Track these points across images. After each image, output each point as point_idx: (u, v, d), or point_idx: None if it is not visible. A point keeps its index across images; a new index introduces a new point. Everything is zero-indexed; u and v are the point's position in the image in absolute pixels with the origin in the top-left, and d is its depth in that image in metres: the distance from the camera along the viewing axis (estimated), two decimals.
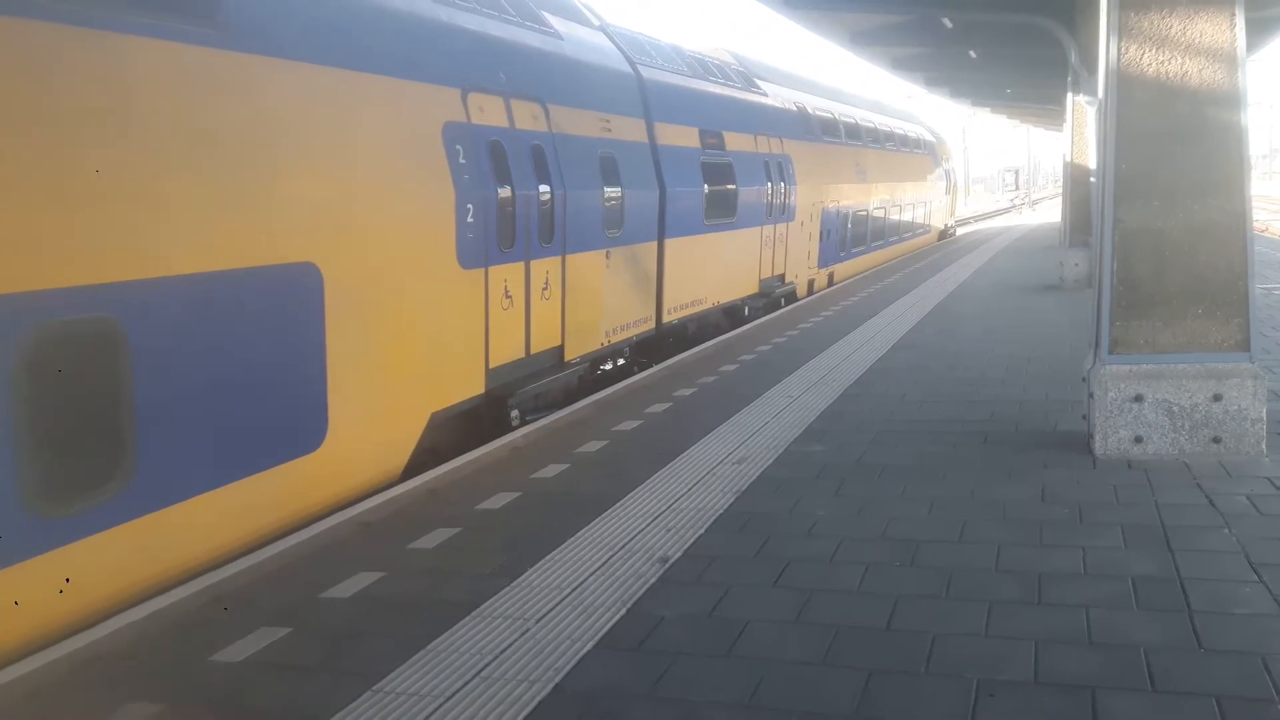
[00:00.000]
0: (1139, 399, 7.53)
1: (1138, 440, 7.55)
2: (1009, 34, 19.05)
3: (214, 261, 6.34)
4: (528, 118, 10.36)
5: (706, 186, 15.37)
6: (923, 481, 7.29)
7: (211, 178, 6.37)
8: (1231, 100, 7.45)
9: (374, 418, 7.90)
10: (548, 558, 5.98)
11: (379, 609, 5.37)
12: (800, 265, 20.17)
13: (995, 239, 36.34)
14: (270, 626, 5.15)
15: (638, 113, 13.60)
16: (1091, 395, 7.75)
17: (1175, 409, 7.49)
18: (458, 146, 8.95)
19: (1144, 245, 7.56)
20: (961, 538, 6.14)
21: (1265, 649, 4.59)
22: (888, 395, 10.23)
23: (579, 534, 6.37)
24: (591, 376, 12.27)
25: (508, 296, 9.67)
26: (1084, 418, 8.13)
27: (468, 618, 5.17)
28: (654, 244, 13.60)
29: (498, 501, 7.09)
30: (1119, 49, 7.53)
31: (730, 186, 16.29)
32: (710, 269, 15.68)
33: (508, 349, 9.81)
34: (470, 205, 8.99)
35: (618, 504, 6.94)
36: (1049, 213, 56.93)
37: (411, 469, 8.25)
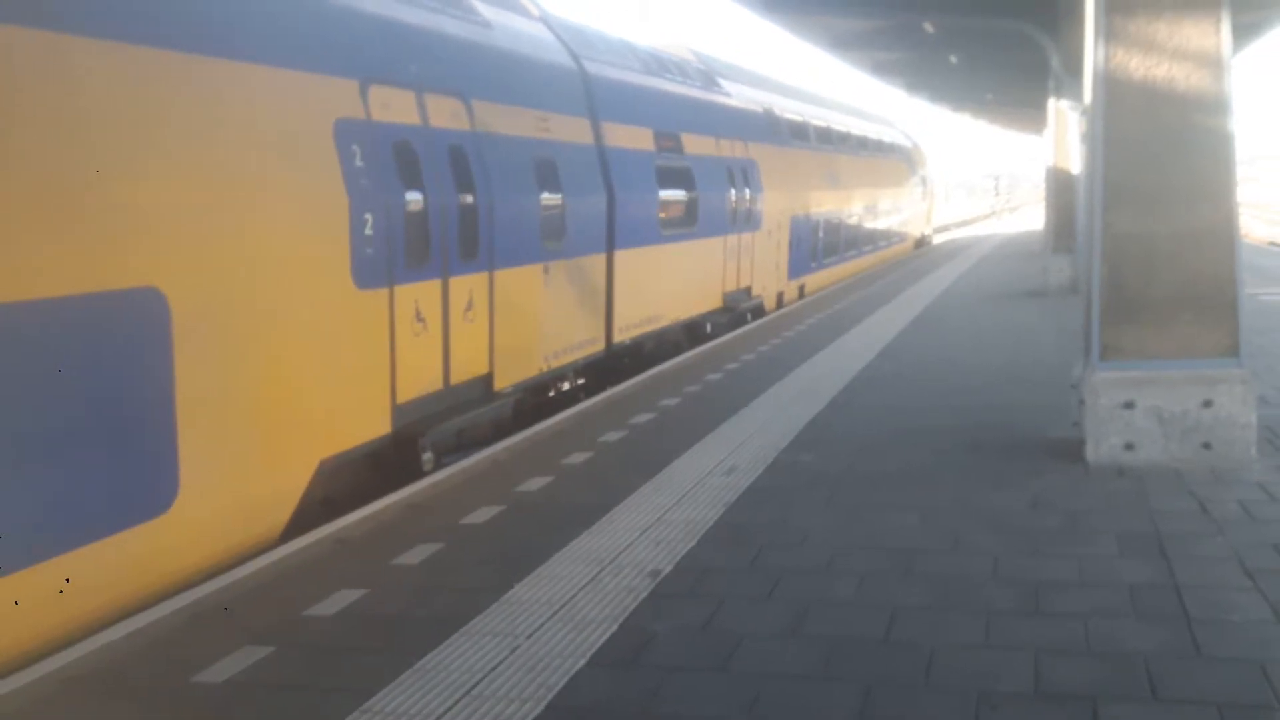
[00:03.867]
0: (1130, 405, 7.49)
1: (1129, 447, 7.51)
2: (990, 39, 19.13)
3: (20, 289, 5.20)
4: (446, 115, 9.14)
5: (662, 193, 14.25)
6: (914, 490, 7.23)
7: (13, 185, 5.24)
8: (1218, 105, 7.44)
9: (242, 470, 6.73)
10: (535, 573, 5.87)
11: (364, 627, 5.25)
12: (768, 277, 19.11)
13: (974, 247, 36.47)
14: (253, 645, 5.02)
15: (581, 111, 12.36)
16: (1082, 402, 7.71)
17: (1166, 415, 7.46)
18: (354, 147, 7.76)
19: (1133, 251, 7.53)
20: (955, 547, 6.08)
21: (1264, 656, 4.56)
22: (875, 404, 10.17)
23: (566, 548, 6.27)
24: (530, 405, 11.10)
25: (420, 320, 8.47)
26: (1075, 424, 8.09)
27: (455, 635, 5.06)
28: (602, 256, 12.40)
29: (481, 515, 6.97)
30: (1106, 54, 7.51)
31: (689, 193, 15.27)
32: (668, 283, 14.55)
33: (420, 380, 8.58)
34: (369, 215, 7.82)
35: (605, 517, 6.84)
36: (1029, 219, 57.22)
37: (298, 526, 7.13)
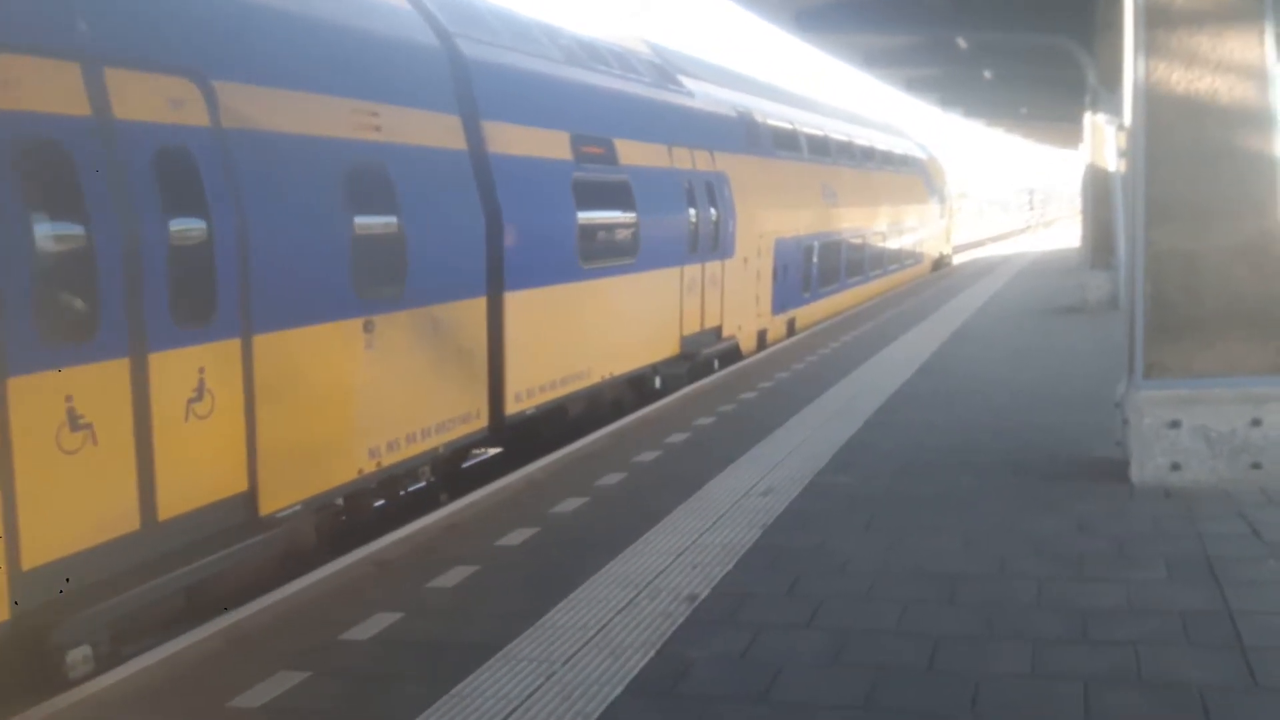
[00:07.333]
0: (1175, 425, 7.33)
1: (1175, 467, 7.35)
2: (1024, 54, 19.02)
3: None
4: (155, 102, 6.14)
5: (583, 214, 11.16)
6: (955, 513, 7.11)
7: None
8: (1263, 117, 7.32)
9: None
10: (570, 596, 5.81)
11: (400, 651, 5.20)
12: (745, 313, 15.99)
13: (1009, 263, 36.14)
14: (289, 670, 4.99)
15: (447, 105, 9.28)
16: (1126, 421, 7.56)
17: (1213, 434, 7.29)
18: None
19: (1177, 267, 7.40)
20: (1000, 572, 5.95)
21: None
22: (913, 423, 10.04)
23: (601, 571, 6.20)
24: (359, 520, 8.22)
25: (76, 428, 5.48)
26: (1118, 444, 7.94)
27: (491, 660, 5.00)
28: (480, 300, 9.38)
29: (516, 537, 6.92)
30: (1146, 68, 7.39)
31: (626, 215, 12.20)
32: (595, 330, 11.48)
33: (77, 530, 5.53)
34: None
35: (640, 539, 6.76)
36: (1064, 234, 56.71)
37: None
